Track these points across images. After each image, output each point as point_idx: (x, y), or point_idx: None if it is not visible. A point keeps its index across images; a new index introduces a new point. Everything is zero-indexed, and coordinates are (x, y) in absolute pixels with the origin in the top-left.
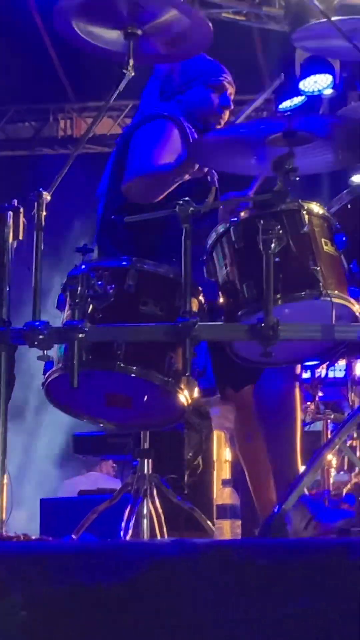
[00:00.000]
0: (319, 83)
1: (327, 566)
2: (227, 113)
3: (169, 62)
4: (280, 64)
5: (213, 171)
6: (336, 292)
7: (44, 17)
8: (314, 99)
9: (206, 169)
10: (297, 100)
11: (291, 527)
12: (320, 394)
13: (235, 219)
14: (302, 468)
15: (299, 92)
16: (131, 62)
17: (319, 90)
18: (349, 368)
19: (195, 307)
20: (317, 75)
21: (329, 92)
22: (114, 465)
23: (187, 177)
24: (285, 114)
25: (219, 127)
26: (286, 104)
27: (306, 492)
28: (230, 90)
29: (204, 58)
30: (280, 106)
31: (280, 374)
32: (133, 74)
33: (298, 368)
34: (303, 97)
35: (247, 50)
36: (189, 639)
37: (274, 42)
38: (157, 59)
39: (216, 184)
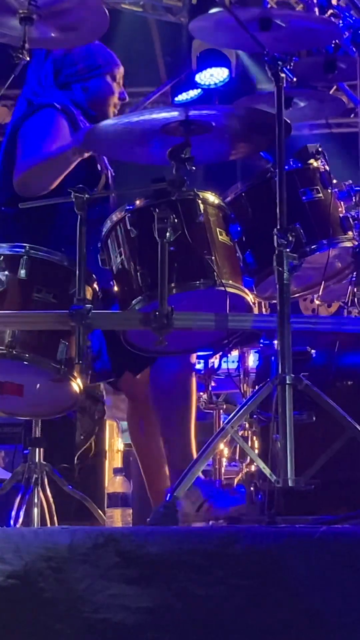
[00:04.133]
0: (215, 76)
1: (216, 554)
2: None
3: (63, 47)
4: (176, 57)
5: (104, 158)
6: (230, 281)
7: None
8: (209, 92)
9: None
10: (193, 93)
11: (182, 511)
12: (213, 384)
13: (130, 206)
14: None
15: (195, 85)
16: (26, 46)
17: (215, 84)
18: (241, 359)
19: (89, 295)
20: (214, 69)
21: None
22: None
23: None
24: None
25: (112, 116)
26: (182, 97)
27: (201, 476)
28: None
29: (105, 48)
30: (176, 99)
31: (176, 360)
32: (28, 58)
33: (194, 357)
34: (199, 90)
35: (143, 42)
36: (79, 626)
37: (171, 34)
38: (52, 44)
39: (107, 171)
